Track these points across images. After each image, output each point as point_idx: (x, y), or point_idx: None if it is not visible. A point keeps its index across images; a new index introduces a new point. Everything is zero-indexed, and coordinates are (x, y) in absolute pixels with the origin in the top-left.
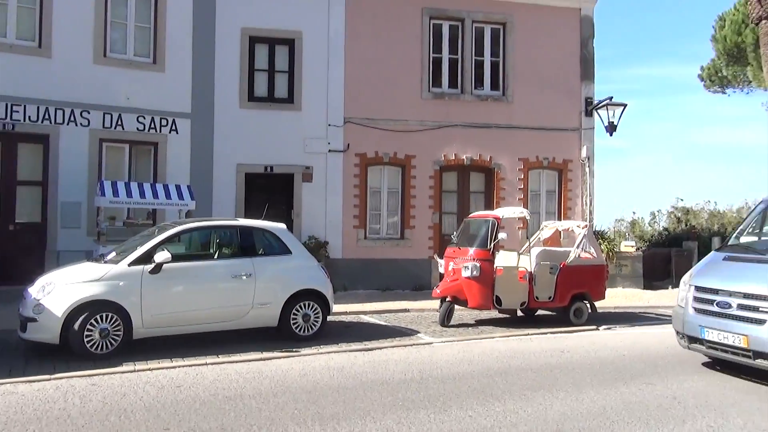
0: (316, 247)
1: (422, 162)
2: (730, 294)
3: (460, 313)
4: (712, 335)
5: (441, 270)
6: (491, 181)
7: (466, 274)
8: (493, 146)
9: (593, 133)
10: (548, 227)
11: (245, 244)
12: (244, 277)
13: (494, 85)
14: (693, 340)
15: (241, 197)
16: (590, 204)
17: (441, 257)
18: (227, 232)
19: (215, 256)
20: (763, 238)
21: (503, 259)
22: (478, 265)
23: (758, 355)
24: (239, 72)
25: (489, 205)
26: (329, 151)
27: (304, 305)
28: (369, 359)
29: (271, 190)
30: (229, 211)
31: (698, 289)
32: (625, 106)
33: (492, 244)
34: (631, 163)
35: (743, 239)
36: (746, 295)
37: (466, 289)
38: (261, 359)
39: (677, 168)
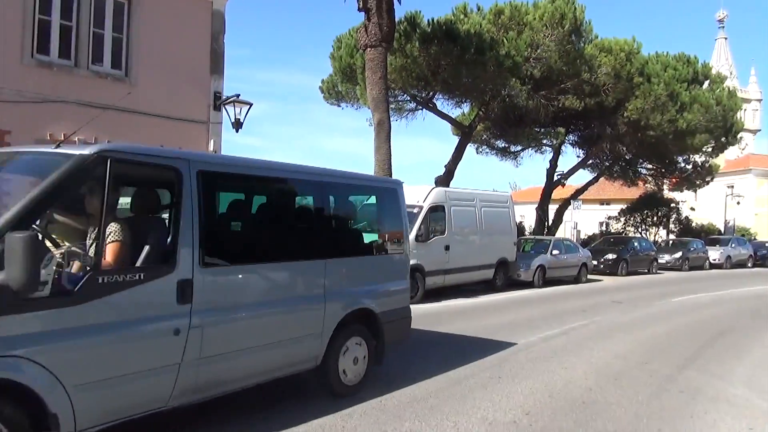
0: None
1: (20, 140)
2: None
3: None
4: None
5: None
6: None
7: None
8: (112, 130)
9: (221, 127)
10: None
11: None
12: None
13: (116, 64)
14: None
15: None
16: None
17: None
18: None
19: None
20: None
21: None
22: None
23: None
24: None
25: None
26: None
27: None
28: None
29: None
30: None
31: None
32: (250, 105)
33: None
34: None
35: None
36: None
37: None
38: None
39: None
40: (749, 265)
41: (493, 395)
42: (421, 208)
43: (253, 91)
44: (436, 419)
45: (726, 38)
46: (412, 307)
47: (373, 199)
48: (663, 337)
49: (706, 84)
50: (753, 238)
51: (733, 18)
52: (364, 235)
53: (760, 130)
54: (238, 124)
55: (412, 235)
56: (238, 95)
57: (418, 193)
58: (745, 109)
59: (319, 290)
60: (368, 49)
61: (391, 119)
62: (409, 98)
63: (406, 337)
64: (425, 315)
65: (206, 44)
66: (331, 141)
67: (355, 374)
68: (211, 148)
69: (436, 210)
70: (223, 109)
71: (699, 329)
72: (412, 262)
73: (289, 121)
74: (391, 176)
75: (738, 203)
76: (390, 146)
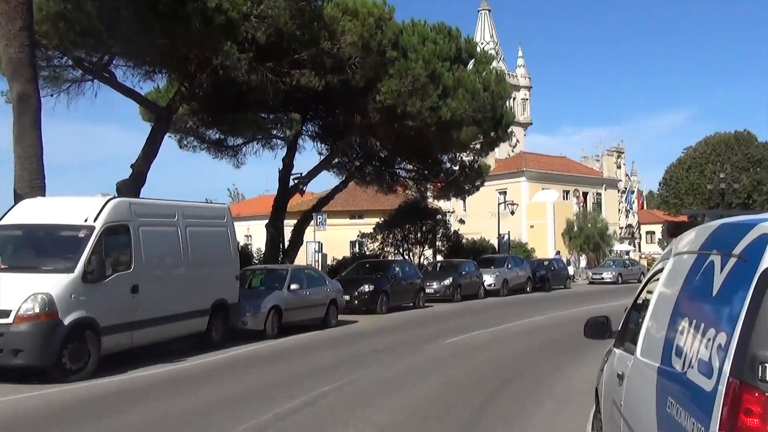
0: None
1: None
2: None
3: None
4: None
5: None
6: None
7: None
8: None
9: None
10: None
11: None
12: None
13: None
14: None
15: None
16: None
17: None
18: None
19: None
20: None
21: None
22: None
23: None
24: None
25: None
26: None
27: None
28: None
29: None
30: None
31: None
32: None
33: None
34: None
35: None
36: None
37: None
38: None
39: None
40: (528, 289)
41: None
42: (90, 229)
43: None
44: None
45: (490, 10)
46: (72, 387)
47: None
48: (435, 395)
49: (470, 64)
50: (530, 255)
51: None
52: None
53: (531, 124)
54: None
55: (75, 274)
56: None
57: (86, 208)
58: (514, 98)
59: None
60: None
61: (43, 92)
62: (72, 62)
63: None
64: (99, 398)
65: None
66: None
67: None
68: None
69: (117, 232)
70: None
71: (479, 379)
72: (77, 314)
73: None
74: (42, 177)
75: (512, 213)
76: (40, 134)
